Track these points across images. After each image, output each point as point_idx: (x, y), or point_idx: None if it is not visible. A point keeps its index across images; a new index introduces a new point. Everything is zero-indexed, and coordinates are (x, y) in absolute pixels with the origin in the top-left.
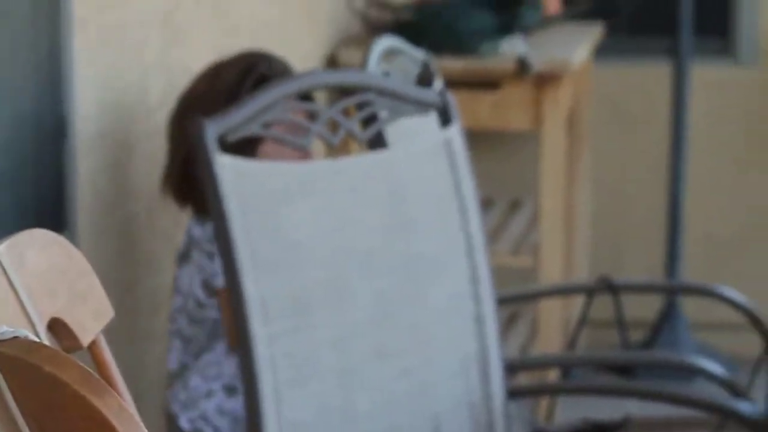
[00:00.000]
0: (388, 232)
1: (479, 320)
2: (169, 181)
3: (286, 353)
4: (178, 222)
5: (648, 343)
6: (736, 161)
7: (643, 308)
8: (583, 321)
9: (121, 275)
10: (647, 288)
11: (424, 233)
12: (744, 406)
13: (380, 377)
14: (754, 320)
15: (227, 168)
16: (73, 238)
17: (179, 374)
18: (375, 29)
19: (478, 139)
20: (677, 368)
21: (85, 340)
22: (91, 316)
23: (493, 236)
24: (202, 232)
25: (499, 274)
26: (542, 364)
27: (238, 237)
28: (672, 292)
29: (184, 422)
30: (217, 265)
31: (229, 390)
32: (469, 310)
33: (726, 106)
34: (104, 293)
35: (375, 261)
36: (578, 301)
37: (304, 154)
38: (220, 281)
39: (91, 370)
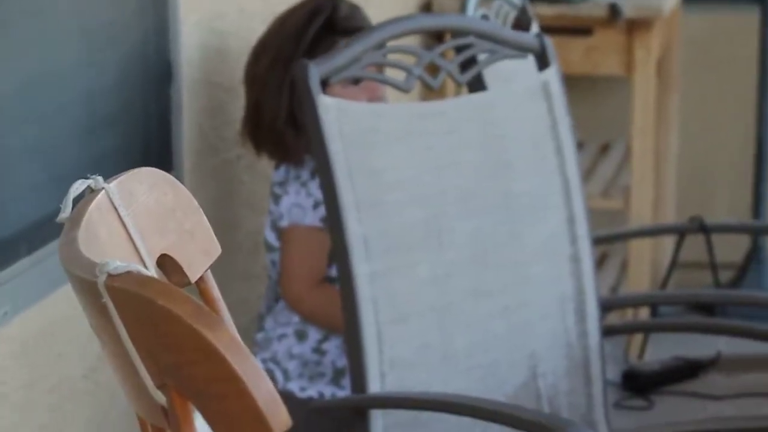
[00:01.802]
0: (486, 172)
1: (575, 260)
2: (246, 127)
3: (386, 292)
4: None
5: (735, 284)
6: None
7: (731, 250)
8: (675, 260)
9: (224, 215)
10: (738, 229)
11: (522, 174)
12: None
13: (478, 315)
14: None
15: (331, 109)
16: (178, 179)
17: (262, 316)
18: None
19: (569, 84)
20: (766, 306)
21: (194, 277)
22: (200, 252)
23: (584, 179)
24: (275, 175)
25: (590, 215)
26: (637, 302)
27: (340, 177)
28: (761, 233)
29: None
30: (282, 208)
31: (299, 335)
32: (566, 250)
33: None
34: (211, 231)
35: (473, 201)
36: (666, 243)
37: (375, 97)
38: (284, 223)
39: (202, 305)
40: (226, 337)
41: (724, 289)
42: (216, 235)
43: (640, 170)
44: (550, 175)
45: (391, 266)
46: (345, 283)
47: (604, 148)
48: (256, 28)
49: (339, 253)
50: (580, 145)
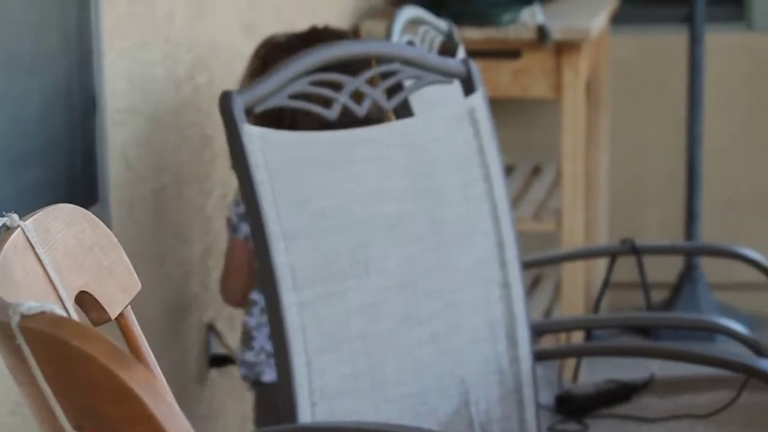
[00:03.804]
0: (414, 199)
1: (505, 285)
2: None
3: (315, 321)
4: (206, 192)
5: (669, 304)
6: (751, 124)
7: (664, 270)
8: (607, 283)
9: (153, 246)
10: (669, 250)
11: (450, 200)
12: (767, 364)
13: (408, 343)
14: None
15: (255, 138)
16: (104, 211)
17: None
18: (398, 0)
19: (499, 107)
20: (700, 328)
21: (113, 313)
22: (119, 288)
23: (515, 202)
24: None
25: (522, 239)
26: (569, 326)
27: (266, 206)
28: (694, 253)
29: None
30: (240, 208)
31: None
32: (496, 275)
33: (740, 70)
34: (131, 266)
35: (401, 228)
36: (600, 265)
37: None
38: (233, 224)
39: (117, 344)
40: (142, 377)
41: (658, 309)
42: (144, 266)
43: (571, 193)
44: (478, 201)
45: (320, 295)
46: (273, 312)
47: (536, 171)
48: (182, 56)
49: (266, 282)
50: (511, 169)
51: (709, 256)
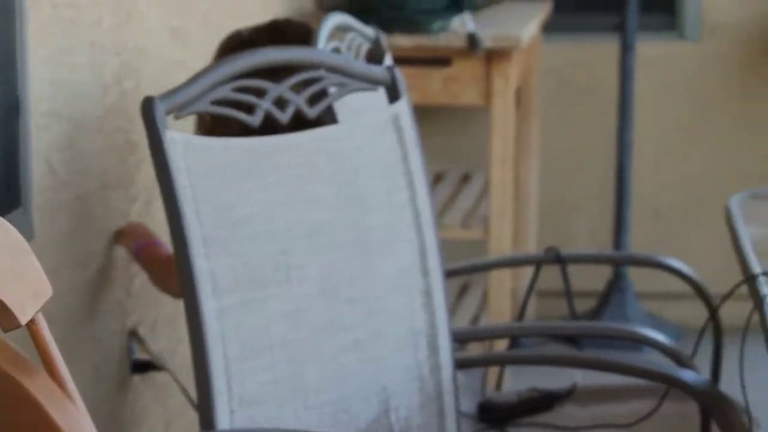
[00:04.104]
0: (337, 206)
1: (427, 293)
2: None
3: (235, 327)
4: (131, 198)
5: (596, 313)
6: (681, 133)
7: (592, 279)
8: (531, 291)
9: (76, 252)
10: (594, 259)
11: (373, 208)
12: (688, 375)
13: (329, 350)
14: (699, 290)
15: (177, 143)
16: (26, 216)
17: None
18: (326, 6)
19: (429, 114)
20: (624, 338)
21: (24, 319)
22: (29, 295)
23: (443, 210)
24: None
25: (449, 246)
26: (490, 335)
27: (187, 212)
28: (619, 263)
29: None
30: None
31: None
32: (418, 284)
33: (671, 80)
34: (42, 272)
35: (324, 235)
36: (528, 272)
37: None
38: None
39: (20, 351)
40: (45, 384)
41: (586, 318)
42: (67, 272)
43: (499, 200)
44: (402, 209)
45: (240, 302)
46: (192, 319)
47: (465, 179)
48: (109, 61)
49: (186, 289)
50: (440, 176)
51: (635, 266)
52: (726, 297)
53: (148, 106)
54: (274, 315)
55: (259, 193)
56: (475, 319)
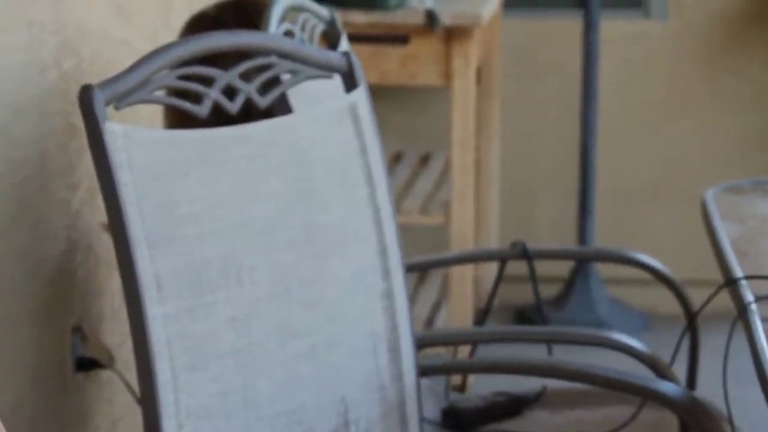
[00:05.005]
0: (289, 202)
1: (388, 295)
2: None
3: (182, 334)
4: (73, 186)
5: (562, 300)
6: (648, 114)
7: (557, 265)
8: (496, 289)
9: (12, 244)
10: (561, 255)
11: (329, 203)
12: (666, 387)
13: (283, 358)
14: (672, 286)
15: (118, 136)
16: None
17: None
18: None
19: (387, 91)
20: (596, 344)
21: None
22: None
23: (402, 193)
24: None
25: (408, 232)
26: (455, 340)
27: (129, 210)
28: (585, 259)
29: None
30: None
31: None
32: (378, 285)
33: (636, 59)
34: None
35: (276, 234)
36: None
37: None
38: None
39: None
40: None
41: (551, 304)
42: (4, 264)
43: (460, 184)
44: (359, 205)
45: (187, 307)
46: (136, 325)
47: (425, 159)
48: (47, 40)
49: (129, 293)
50: (398, 157)
51: (603, 262)
52: (705, 304)
53: (86, 95)
54: (222, 321)
55: (205, 188)
56: (435, 309)
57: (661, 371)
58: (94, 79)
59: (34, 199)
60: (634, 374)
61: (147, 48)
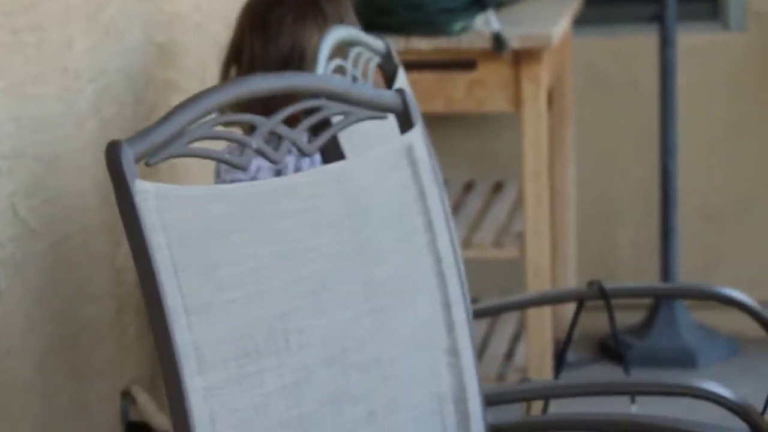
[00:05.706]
0: (343, 256)
1: (453, 352)
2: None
3: (226, 408)
4: (116, 241)
5: (645, 328)
6: (729, 131)
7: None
8: (572, 332)
9: (53, 307)
10: (642, 293)
11: (386, 254)
12: None
13: (339, 427)
14: (761, 321)
15: (149, 195)
16: None
17: None
18: None
19: (456, 120)
20: (681, 395)
21: None
22: None
23: (474, 225)
24: None
25: (482, 266)
26: (526, 397)
27: (164, 276)
28: (668, 295)
29: None
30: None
31: None
32: (442, 341)
33: (716, 73)
34: None
35: (328, 291)
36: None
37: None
38: None
39: None
40: None
41: (633, 333)
42: (42, 330)
43: (534, 215)
44: (419, 254)
45: (230, 378)
46: (174, 400)
47: (497, 188)
48: (83, 87)
49: (166, 365)
50: (470, 186)
51: (688, 299)
52: None
53: (112, 152)
54: (271, 390)
55: (249, 247)
56: (514, 341)
57: (753, 421)
58: (138, 126)
59: (76, 257)
60: (722, 427)
61: (196, 87)
